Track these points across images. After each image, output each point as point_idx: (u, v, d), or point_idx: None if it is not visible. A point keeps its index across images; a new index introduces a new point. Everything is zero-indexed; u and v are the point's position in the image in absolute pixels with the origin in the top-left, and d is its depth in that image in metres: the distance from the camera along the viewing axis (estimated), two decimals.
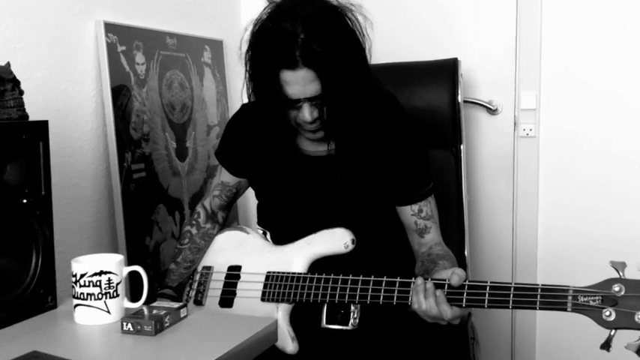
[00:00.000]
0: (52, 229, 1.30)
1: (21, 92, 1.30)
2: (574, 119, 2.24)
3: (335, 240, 1.44)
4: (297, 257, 1.46)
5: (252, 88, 1.45)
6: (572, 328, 2.26)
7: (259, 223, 1.67)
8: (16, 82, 1.30)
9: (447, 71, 1.99)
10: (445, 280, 1.26)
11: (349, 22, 1.40)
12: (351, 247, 1.42)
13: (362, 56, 1.43)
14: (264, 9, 1.41)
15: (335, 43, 1.35)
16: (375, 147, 1.49)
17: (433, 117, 1.93)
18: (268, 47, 1.36)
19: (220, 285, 1.54)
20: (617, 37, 2.16)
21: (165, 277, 1.62)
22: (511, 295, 1.20)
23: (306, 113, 1.39)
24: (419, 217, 1.52)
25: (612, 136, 2.19)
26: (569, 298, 1.15)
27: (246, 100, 1.56)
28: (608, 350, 1.12)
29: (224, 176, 1.68)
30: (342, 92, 1.38)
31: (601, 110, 2.20)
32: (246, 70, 1.45)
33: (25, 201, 1.25)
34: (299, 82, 1.35)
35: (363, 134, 1.48)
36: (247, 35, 1.42)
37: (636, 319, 1.10)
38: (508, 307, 1.22)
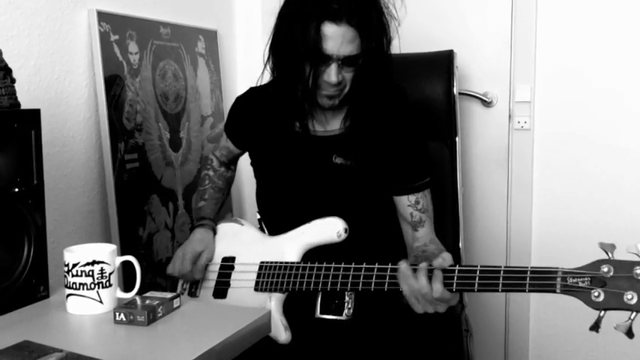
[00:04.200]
0: (44, 218, 1.30)
1: (13, 80, 1.29)
2: (569, 112, 2.24)
3: (328, 229, 1.44)
4: (290, 247, 1.46)
5: (280, 42, 1.44)
6: (566, 319, 2.27)
7: (259, 206, 1.68)
8: (7, 71, 1.29)
9: (442, 63, 1.99)
10: (432, 266, 1.25)
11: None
12: (343, 236, 1.42)
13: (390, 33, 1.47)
14: None
15: (378, 12, 1.41)
16: (379, 132, 1.49)
17: (428, 109, 1.93)
18: None
19: (214, 276, 1.55)
20: (612, 30, 2.16)
21: (194, 215, 1.73)
22: (500, 278, 1.20)
23: (333, 74, 1.39)
24: (415, 208, 1.52)
25: (607, 129, 2.19)
26: (558, 279, 1.15)
27: (241, 90, 1.55)
28: (597, 331, 1.11)
29: (229, 143, 1.73)
30: (376, 61, 1.41)
31: (596, 103, 2.20)
32: (276, 23, 1.45)
33: (16, 190, 1.24)
34: (337, 39, 1.36)
35: (370, 117, 1.48)
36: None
37: (625, 300, 1.09)
38: (498, 290, 1.21)
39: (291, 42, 1.40)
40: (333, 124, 1.53)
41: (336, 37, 1.35)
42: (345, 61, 1.39)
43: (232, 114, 1.69)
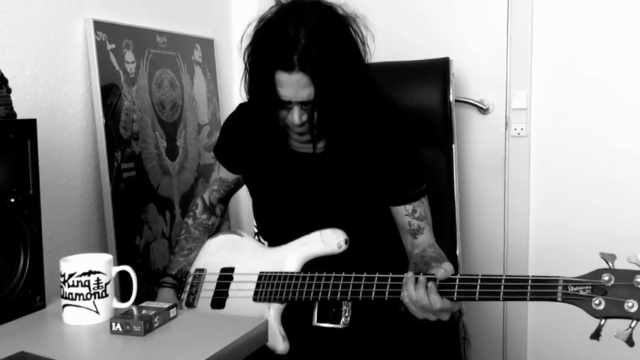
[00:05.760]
0: (40, 228, 1.29)
1: (9, 90, 1.29)
2: (565, 119, 2.25)
3: (328, 240, 1.44)
4: (290, 258, 1.46)
5: (248, 84, 1.46)
6: (563, 326, 2.27)
7: (256, 220, 1.67)
8: (3, 80, 1.29)
9: (438, 70, 1.99)
10: (434, 275, 1.26)
11: (352, 33, 1.41)
12: (344, 247, 1.42)
13: (360, 68, 1.43)
14: (271, 7, 1.42)
15: (334, 53, 1.36)
16: (369, 147, 1.49)
17: (425, 116, 1.93)
18: (268, 47, 1.38)
19: (213, 287, 1.54)
20: (608, 36, 2.16)
21: (166, 269, 1.66)
22: (502, 287, 1.20)
23: (296, 116, 1.40)
24: (413, 217, 1.52)
25: (604, 135, 2.20)
26: (560, 288, 1.16)
27: (238, 99, 1.55)
28: (597, 340, 1.12)
29: (222, 172, 1.70)
30: (334, 101, 1.39)
31: (592, 109, 2.20)
32: (244, 65, 1.45)
33: (12, 200, 1.24)
34: (292, 85, 1.36)
35: (355, 135, 1.48)
36: (250, 30, 1.43)
37: (626, 308, 1.10)
38: (499, 299, 1.22)
39: (253, 88, 1.44)
40: (321, 143, 1.51)
41: (291, 84, 1.36)
42: (306, 104, 1.39)
43: (223, 135, 1.69)
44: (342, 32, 1.40)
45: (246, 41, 1.43)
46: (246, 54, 1.44)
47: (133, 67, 1.96)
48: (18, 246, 1.26)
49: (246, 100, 1.51)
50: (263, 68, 1.38)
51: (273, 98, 1.39)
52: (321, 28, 1.36)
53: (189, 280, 1.59)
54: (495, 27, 2.31)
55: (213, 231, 1.72)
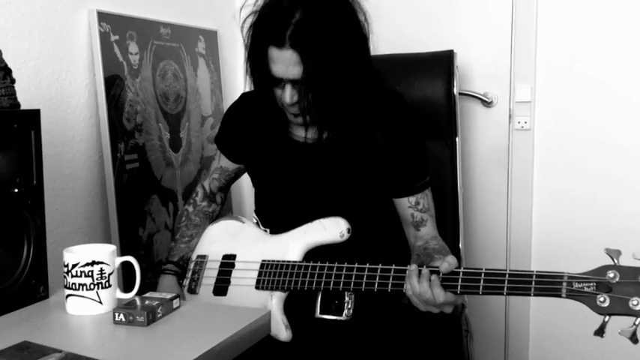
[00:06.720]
0: (43, 218, 1.30)
1: (12, 81, 1.30)
2: (569, 112, 2.24)
3: (330, 229, 1.43)
4: (292, 246, 1.46)
5: (246, 60, 1.46)
6: (566, 320, 2.27)
7: (256, 210, 1.67)
8: (7, 71, 1.29)
9: (442, 63, 1.99)
10: (438, 268, 1.26)
11: (354, 14, 1.40)
12: (346, 236, 1.42)
13: (359, 49, 1.42)
14: None
15: (329, 31, 1.34)
16: (371, 136, 1.49)
17: (429, 109, 1.93)
18: (263, 21, 1.38)
19: (215, 273, 1.54)
20: (613, 30, 2.15)
21: (167, 256, 1.67)
22: (506, 282, 1.20)
23: (287, 95, 1.39)
24: (415, 209, 1.52)
25: (607, 129, 2.19)
26: (564, 284, 1.15)
27: (241, 90, 1.55)
28: (601, 336, 1.12)
29: (223, 162, 1.70)
30: (325, 81, 1.37)
31: (596, 103, 2.20)
32: (243, 40, 1.45)
33: (16, 190, 1.24)
34: (283, 62, 1.35)
35: (354, 123, 1.47)
36: (248, 4, 1.43)
37: (630, 305, 1.10)
38: (503, 294, 1.22)
39: (250, 64, 1.44)
40: (314, 132, 1.50)
41: (283, 61, 1.35)
42: (295, 83, 1.37)
43: (225, 124, 1.69)
44: (343, 15, 1.38)
45: (245, 14, 1.43)
46: (244, 28, 1.43)
47: (137, 58, 1.95)
48: (21, 236, 1.26)
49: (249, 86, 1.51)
50: (257, 43, 1.39)
51: (266, 75, 1.39)
52: (318, 7, 1.35)
53: (191, 266, 1.59)
54: (500, 19, 2.30)
55: (214, 218, 1.72)
